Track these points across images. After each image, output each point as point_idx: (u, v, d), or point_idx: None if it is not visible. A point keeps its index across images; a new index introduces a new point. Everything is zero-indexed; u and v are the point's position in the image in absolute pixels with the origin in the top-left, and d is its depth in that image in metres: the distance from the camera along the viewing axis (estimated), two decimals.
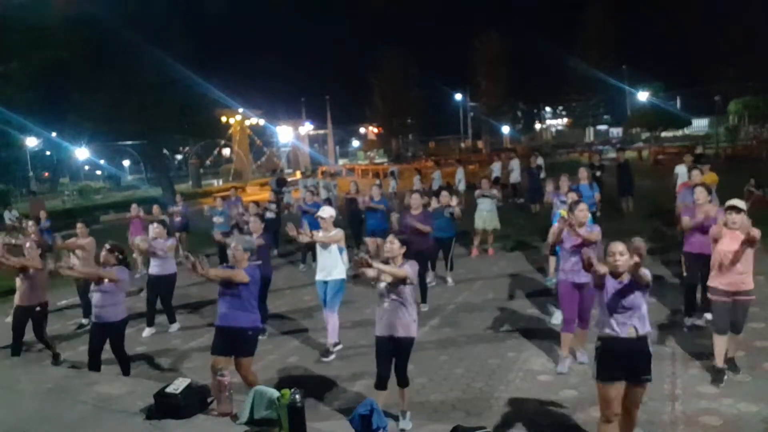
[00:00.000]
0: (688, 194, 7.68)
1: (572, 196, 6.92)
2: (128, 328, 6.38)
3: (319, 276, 6.64)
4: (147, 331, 8.00)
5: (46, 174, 50.58)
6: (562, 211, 7.13)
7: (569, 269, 5.73)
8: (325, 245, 6.56)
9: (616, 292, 3.99)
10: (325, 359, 6.44)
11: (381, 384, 4.71)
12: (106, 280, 5.87)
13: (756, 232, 4.96)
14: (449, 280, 9.18)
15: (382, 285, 4.71)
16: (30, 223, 10.14)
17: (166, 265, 7.96)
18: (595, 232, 5.62)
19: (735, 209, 5.21)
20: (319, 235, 6.56)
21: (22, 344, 7.00)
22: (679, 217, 7.87)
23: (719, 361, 5.21)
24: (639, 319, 3.96)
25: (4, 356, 7.40)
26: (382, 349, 4.74)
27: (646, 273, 3.88)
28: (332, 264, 6.55)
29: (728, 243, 5.22)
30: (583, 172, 9.98)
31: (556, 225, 6.00)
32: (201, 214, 15.07)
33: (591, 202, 8.15)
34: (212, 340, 5.26)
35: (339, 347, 6.64)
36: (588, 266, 4.03)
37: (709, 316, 6.43)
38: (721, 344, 5.20)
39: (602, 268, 4.03)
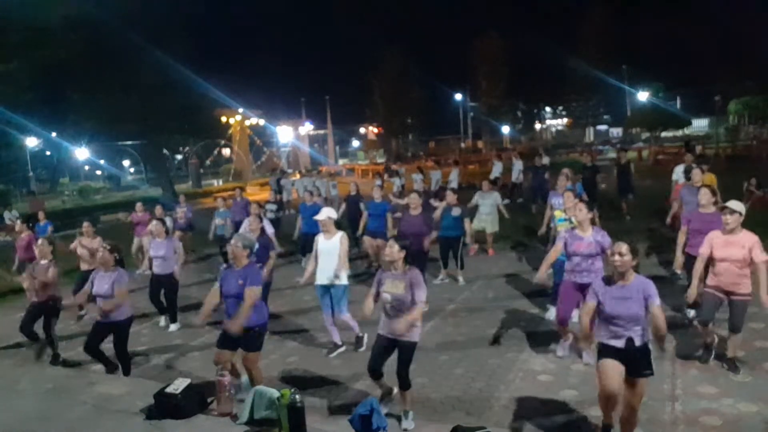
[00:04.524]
0: (687, 194, 7.67)
1: (568, 196, 6.92)
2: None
3: (320, 280, 6.53)
4: (163, 320, 8.18)
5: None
6: (557, 212, 7.14)
7: (571, 269, 5.74)
8: (328, 249, 6.49)
9: (616, 302, 3.98)
10: (360, 348, 6.50)
11: (374, 375, 4.83)
12: (107, 286, 5.88)
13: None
14: (460, 279, 9.18)
15: (387, 296, 4.71)
16: (18, 221, 10.14)
17: (168, 265, 7.96)
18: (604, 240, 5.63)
19: (728, 210, 5.22)
20: (334, 266, 6.45)
21: (34, 332, 7.10)
22: (676, 218, 7.93)
23: (707, 340, 5.49)
24: (637, 330, 3.95)
25: (5, 356, 7.41)
26: (379, 344, 4.80)
27: (662, 334, 3.98)
28: (335, 268, 6.46)
29: (723, 248, 5.22)
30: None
31: (551, 253, 5.98)
32: (203, 214, 15.06)
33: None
34: (218, 336, 5.26)
35: (342, 349, 6.61)
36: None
37: None
38: (705, 331, 5.46)
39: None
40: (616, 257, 3.99)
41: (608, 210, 13.41)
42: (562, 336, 5.98)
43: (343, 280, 6.51)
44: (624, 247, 3.99)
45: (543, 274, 5.93)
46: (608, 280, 4.11)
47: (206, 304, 5.33)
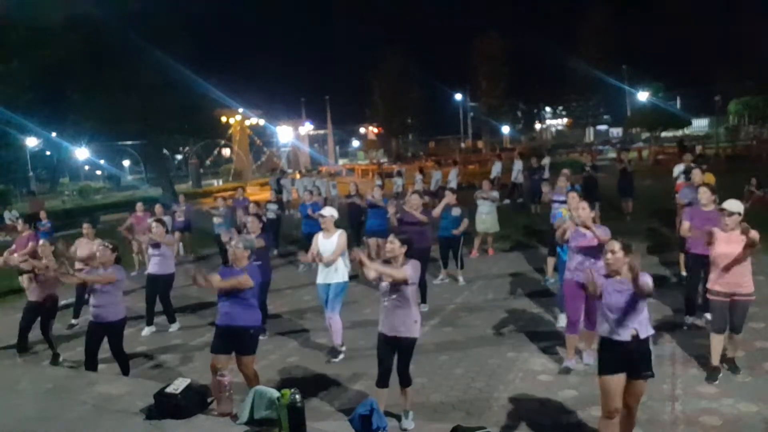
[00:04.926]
0: (689, 193, 7.67)
1: (572, 196, 6.91)
2: (128, 328, 6.40)
3: (320, 279, 6.56)
4: (146, 330, 8.00)
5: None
6: (564, 210, 7.13)
7: (575, 268, 5.69)
8: (327, 248, 6.50)
9: (615, 294, 3.99)
10: (334, 359, 6.39)
11: (382, 381, 4.73)
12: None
13: (754, 234, 4.95)
14: (460, 279, 9.18)
15: (384, 284, 4.71)
16: (20, 220, 10.13)
17: (165, 265, 7.96)
18: (606, 235, 5.59)
19: (727, 212, 5.22)
20: (326, 256, 6.43)
21: (27, 342, 7.06)
22: (679, 218, 7.85)
23: (715, 360, 5.28)
24: (640, 323, 3.95)
25: (4, 356, 7.41)
26: (383, 347, 4.76)
27: (646, 282, 3.86)
28: (333, 267, 6.47)
29: (724, 245, 5.21)
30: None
31: (557, 221, 5.99)
32: (203, 214, 15.05)
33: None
34: (212, 339, 5.26)
35: (342, 349, 6.60)
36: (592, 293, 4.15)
37: (709, 316, 6.44)
38: (717, 343, 5.28)
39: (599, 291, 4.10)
40: (609, 255, 4.03)
41: (608, 210, 13.44)
42: (567, 347, 5.76)
43: (342, 277, 6.51)
44: (616, 245, 4.02)
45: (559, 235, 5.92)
46: (608, 275, 4.13)
47: (210, 278, 5.11)
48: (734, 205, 5.28)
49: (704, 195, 6.25)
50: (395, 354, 4.74)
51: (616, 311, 3.99)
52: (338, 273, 6.48)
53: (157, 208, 11.90)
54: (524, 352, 6.20)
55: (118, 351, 6.04)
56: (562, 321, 6.89)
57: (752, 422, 4.47)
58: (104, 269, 6.00)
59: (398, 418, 4.72)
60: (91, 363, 5.95)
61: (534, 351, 6.21)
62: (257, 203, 11.47)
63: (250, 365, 5.14)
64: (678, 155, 20.31)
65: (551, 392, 5.22)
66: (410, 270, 4.61)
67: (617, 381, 3.93)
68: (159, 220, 8.38)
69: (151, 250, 8.02)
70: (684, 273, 8.04)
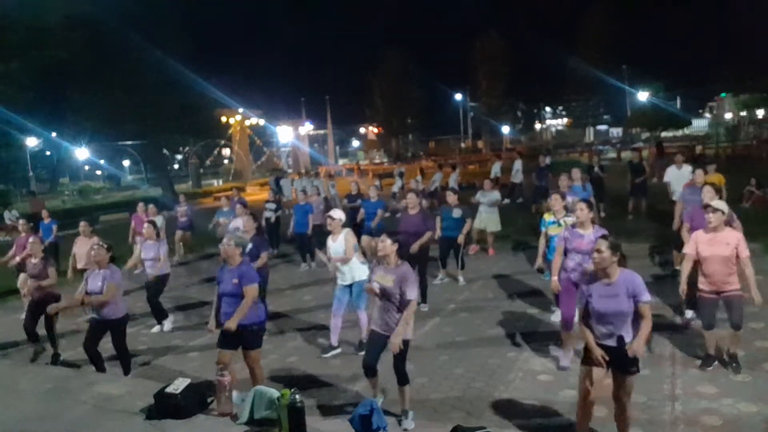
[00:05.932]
0: (688, 194, 7.65)
1: (555, 197, 6.87)
2: (128, 328, 6.38)
3: (341, 280, 6.60)
4: (156, 328, 8.07)
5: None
6: (547, 215, 7.04)
7: (571, 268, 5.70)
8: (337, 250, 6.53)
9: (600, 300, 3.98)
10: (361, 353, 6.40)
11: (368, 371, 4.86)
12: (99, 284, 5.87)
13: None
14: (461, 279, 9.17)
15: (375, 285, 4.74)
16: (21, 221, 10.14)
17: (156, 267, 7.92)
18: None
19: (711, 208, 5.26)
20: (335, 257, 6.55)
21: (37, 336, 7.13)
22: (677, 217, 7.85)
23: (710, 350, 5.43)
24: (626, 328, 3.96)
25: (5, 356, 7.41)
26: (373, 341, 4.83)
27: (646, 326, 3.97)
28: (351, 267, 6.51)
29: (706, 247, 5.24)
30: (576, 173, 9.99)
31: (556, 258, 5.95)
32: (204, 214, 15.06)
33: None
34: (217, 336, 5.27)
35: (338, 351, 6.60)
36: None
37: (689, 314, 6.57)
38: (709, 337, 5.42)
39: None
40: (595, 254, 4.00)
41: (611, 209, 13.43)
42: (563, 344, 5.85)
43: (363, 275, 6.48)
44: (603, 245, 3.98)
45: (557, 283, 5.87)
46: (594, 277, 4.10)
47: (213, 310, 5.40)
48: (719, 203, 5.37)
49: (707, 194, 6.26)
50: (383, 349, 4.79)
51: (601, 318, 3.99)
52: (358, 272, 6.51)
53: (151, 208, 11.88)
54: (524, 352, 6.20)
55: (120, 348, 6.06)
56: (556, 316, 6.94)
57: (752, 422, 4.47)
58: (99, 268, 6.00)
59: (398, 418, 4.72)
60: (91, 353, 5.96)
61: (534, 351, 6.20)
62: (243, 203, 11.33)
63: (257, 360, 5.19)
64: (658, 156, 20.09)
65: (551, 392, 5.21)
66: (415, 293, 4.71)
67: (596, 372, 4.01)
68: (150, 222, 8.38)
69: (143, 253, 8.02)
70: (677, 268, 8.10)
